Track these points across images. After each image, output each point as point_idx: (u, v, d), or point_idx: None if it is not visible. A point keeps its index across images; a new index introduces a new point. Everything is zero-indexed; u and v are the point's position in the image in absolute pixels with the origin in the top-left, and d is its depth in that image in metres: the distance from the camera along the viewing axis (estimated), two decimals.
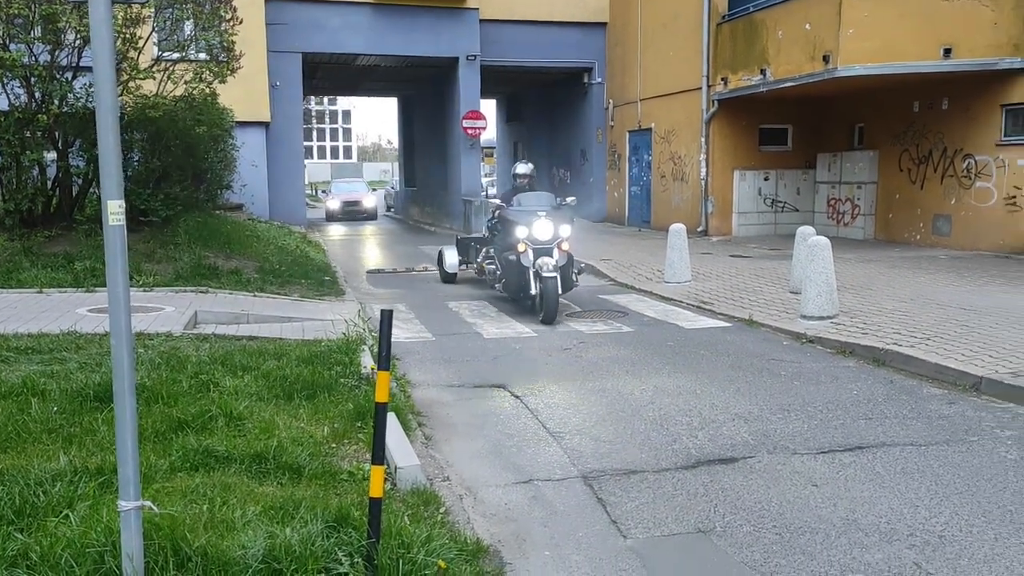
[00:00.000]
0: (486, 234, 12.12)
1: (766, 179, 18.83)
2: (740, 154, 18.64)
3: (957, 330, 7.97)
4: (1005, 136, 14.09)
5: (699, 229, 18.58)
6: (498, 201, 11.09)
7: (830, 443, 5.23)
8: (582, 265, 10.39)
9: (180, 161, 13.06)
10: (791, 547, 3.83)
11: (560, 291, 9.48)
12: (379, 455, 3.08)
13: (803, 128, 18.80)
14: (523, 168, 11.59)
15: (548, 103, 27.28)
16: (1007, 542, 3.81)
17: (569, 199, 10.57)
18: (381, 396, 3.06)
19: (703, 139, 18.65)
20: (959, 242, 14.96)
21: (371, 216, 31.78)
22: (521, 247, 9.59)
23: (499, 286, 10.65)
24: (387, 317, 3.09)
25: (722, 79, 17.88)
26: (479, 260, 11.85)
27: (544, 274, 9.25)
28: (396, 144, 41.93)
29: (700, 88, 18.53)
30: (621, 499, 4.42)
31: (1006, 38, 13.63)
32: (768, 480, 4.66)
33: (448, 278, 12.89)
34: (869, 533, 3.94)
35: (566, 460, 5.03)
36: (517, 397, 6.47)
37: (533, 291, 9.49)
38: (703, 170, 18.72)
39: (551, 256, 9.48)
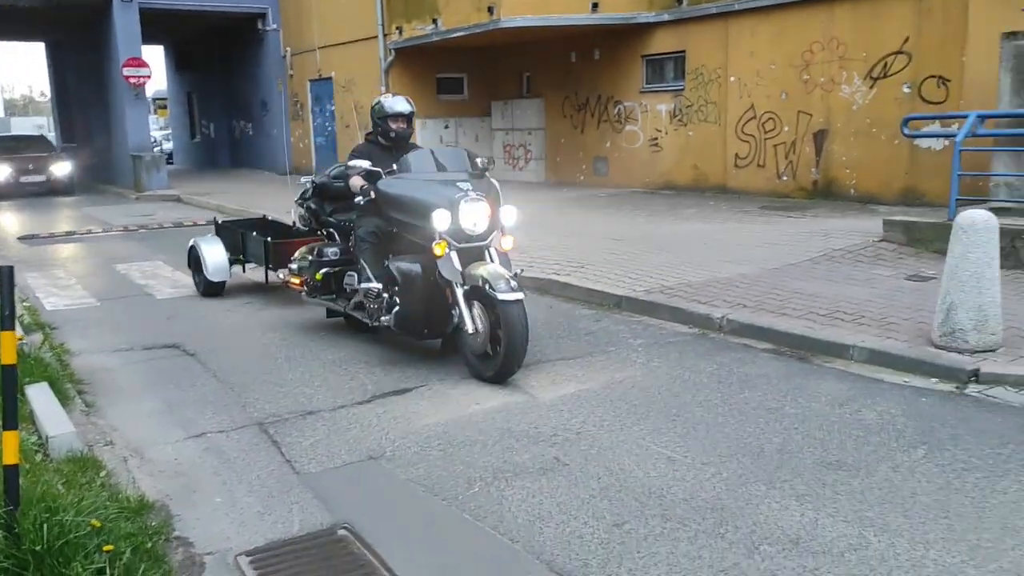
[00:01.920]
0: (302, 220, 7.25)
1: (447, 127, 19.49)
2: (421, 103, 18.89)
3: (607, 257, 8.96)
4: (646, 84, 15.82)
5: None
6: (364, 164, 6.05)
7: None
8: (519, 270, 5.80)
9: None
10: (453, 459, 4.19)
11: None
12: (11, 421, 2.90)
13: (477, 77, 19.62)
14: (400, 105, 6.48)
15: (223, 51, 25.84)
16: (630, 430, 4.47)
17: (482, 159, 6.09)
18: (7, 358, 2.87)
19: (383, 88, 18.80)
20: (615, 181, 16.63)
21: (65, 190, 21.37)
22: (439, 248, 5.40)
23: (388, 319, 5.77)
24: (7, 273, 2.89)
25: (397, 28, 18.10)
26: (302, 265, 6.82)
27: (501, 296, 5.14)
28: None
29: (377, 37, 18.63)
30: (296, 439, 4.52)
31: None
32: (437, 404, 5.01)
33: (212, 289, 8.28)
34: (520, 439, 4.42)
35: (241, 410, 5.02)
36: (191, 355, 6.28)
37: (471, 327, 5.34)
38: None
39: (489, 260, 5.56)
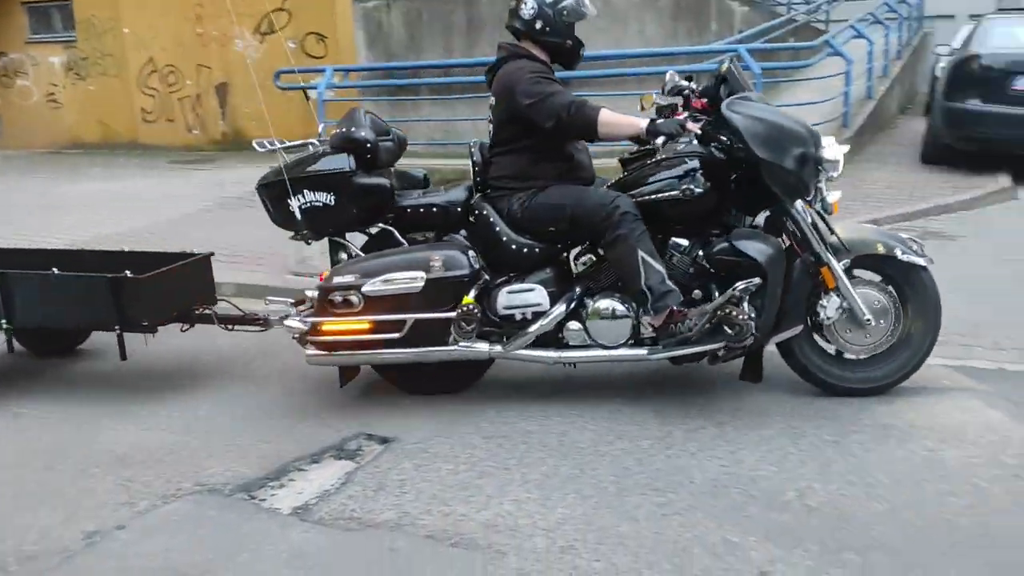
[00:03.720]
0: (329, 218, 4.10)
1: None
2: None
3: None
4: (33, 34, 14.50)
5: None
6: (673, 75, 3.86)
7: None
8: None
9: None
10: None
11: None
12: None
13: None
14: (591, 4, 3.93)
15: None
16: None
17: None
18: None
19: None
20: (14, 142, 15.03)
21: None
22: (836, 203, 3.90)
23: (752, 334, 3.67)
24: None
25: None
26: (391, 292, 3.72)
27: (918, 260, 3.75)
28: None
29: None
30: None
31: None
32: None
33: None
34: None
35: None
36: None
37: (871, 317, 3.75)
38: None
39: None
